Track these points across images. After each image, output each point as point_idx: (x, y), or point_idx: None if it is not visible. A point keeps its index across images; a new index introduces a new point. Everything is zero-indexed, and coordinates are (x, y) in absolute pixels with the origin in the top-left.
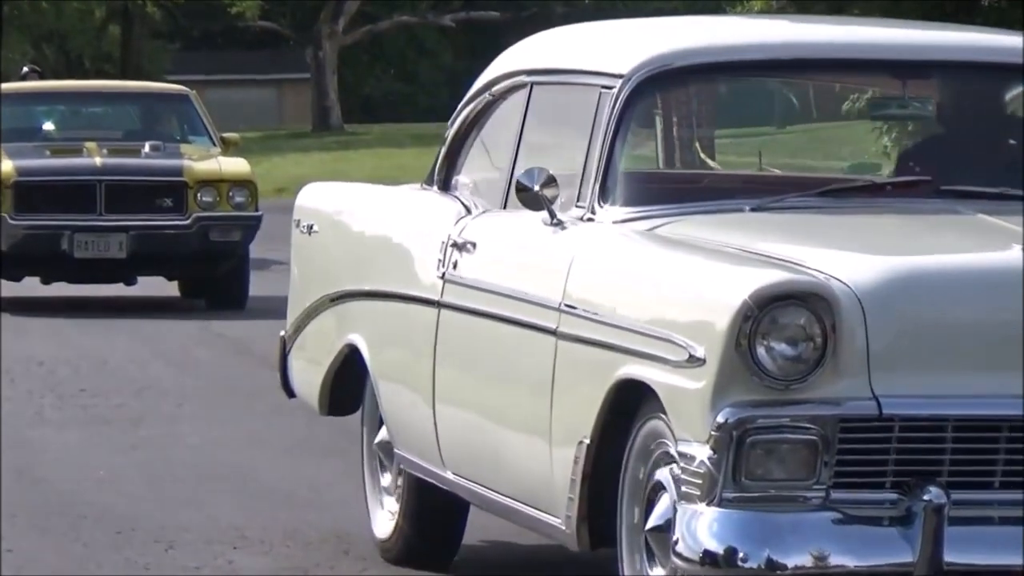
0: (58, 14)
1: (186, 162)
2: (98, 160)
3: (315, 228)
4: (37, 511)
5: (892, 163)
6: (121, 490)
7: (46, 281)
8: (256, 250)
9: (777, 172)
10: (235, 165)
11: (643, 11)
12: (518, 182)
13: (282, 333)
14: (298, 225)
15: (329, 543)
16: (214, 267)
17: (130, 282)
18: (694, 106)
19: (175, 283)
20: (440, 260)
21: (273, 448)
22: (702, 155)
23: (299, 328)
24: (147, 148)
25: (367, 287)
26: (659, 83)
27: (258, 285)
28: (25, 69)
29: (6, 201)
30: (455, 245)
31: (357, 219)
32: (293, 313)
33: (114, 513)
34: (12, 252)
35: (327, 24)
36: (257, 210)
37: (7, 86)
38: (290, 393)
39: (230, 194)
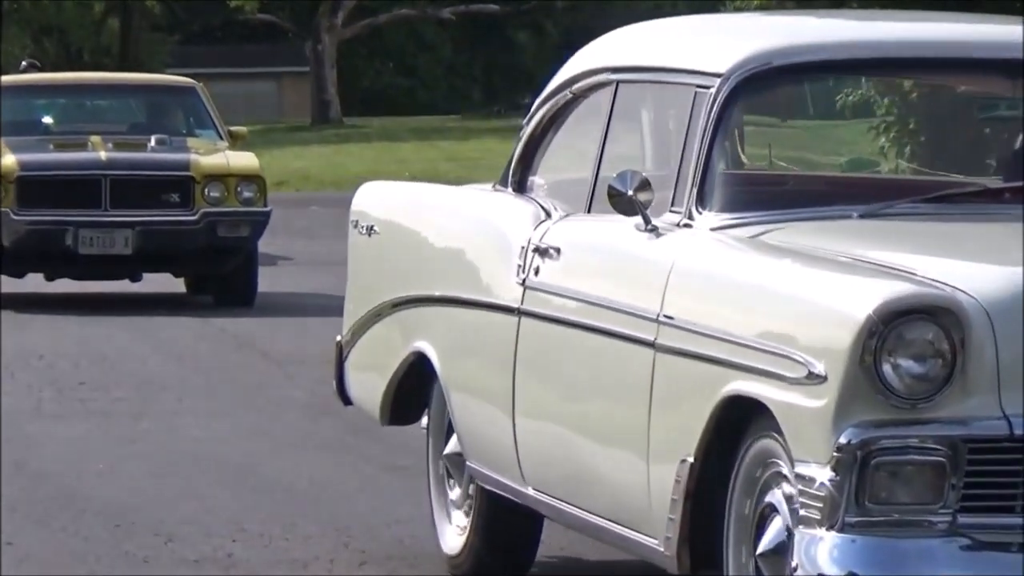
0: (58, 8)
1: (193, 156)
2: (103, 154)
3: (376, 229)
4: (36, 504)
5: (889, 162)
6: (121, 483)
7: (50, 278)
8: (259, 245)
9: (884, 175)
10: (243, 159)
11: (640, 7)
12: (610, 186)
13: (338, 338)
14: (356, 226)
15: (328, 536)
16: (222, 264)
17: (135, 279)
18: (792, 106)
19: (180, 279)
20: (520, 266)
21: (274, 442)
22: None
23: (358, 333)
24: (153, 142)
25: (436, 292)
26: (759, 83)
27: (262, 281)
28: (24, 63)
29: (9, 196)
30: (537, 250)
31: (423, 221)
32: (351, 318)
33: (113, 506)
34: (15, 248)
35: (326, 17)
36: (266, 205)
37: (9, 78)
38: (346, 401)
39: (238, 189)
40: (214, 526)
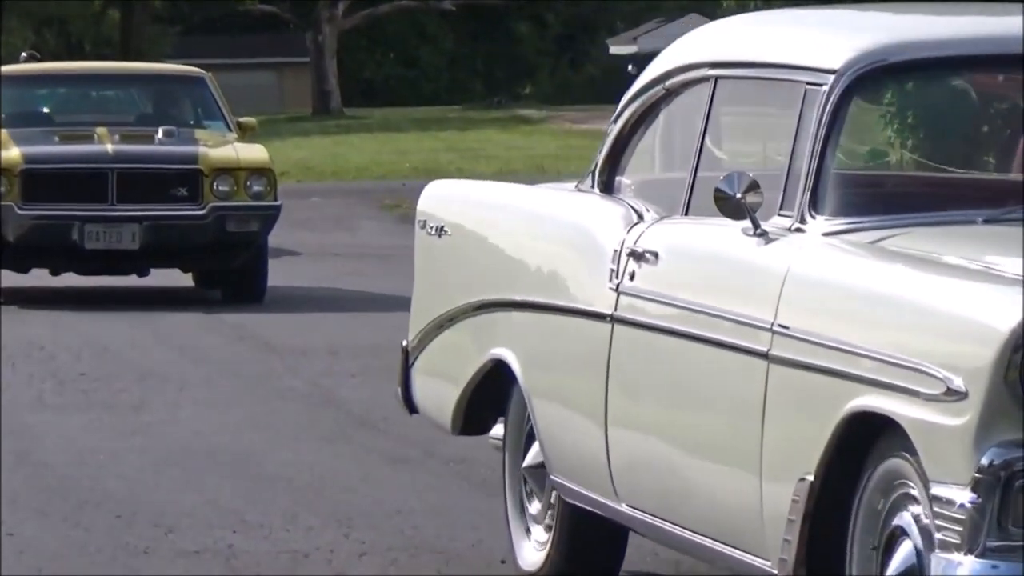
0: (58, 0)
1: (201, 149)
2: (109, 147)
3: (446, 230)
4: (37, 495)
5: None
6: (121, 474)
7: (55, 273)
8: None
9: (1006, 177)
10: (253, 152)
11: (639, 3)
12: (717, 188)
13: (404, 343)
14: (424, 226)
15: (329, 527)
16: (231, 259)
17: (143, 274)
18: (907, 105)
19: (187, 274)
20: (613, 270)
21: (275, 433)
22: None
23: (428, 338)
24: (160, 134)
25: (517, 297)
26: (874, 80)
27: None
28: (24, 55)
29: (13, 189)
30: (632, 254)
31: (500, 222)
32: (419, 323)
33: (114, 497)
34: (20, 243)
35: (327, 8)
36: (276, 199)
37: (11, 68)
38: (411, 408)
39: (247, 183)
40: (215, 517)
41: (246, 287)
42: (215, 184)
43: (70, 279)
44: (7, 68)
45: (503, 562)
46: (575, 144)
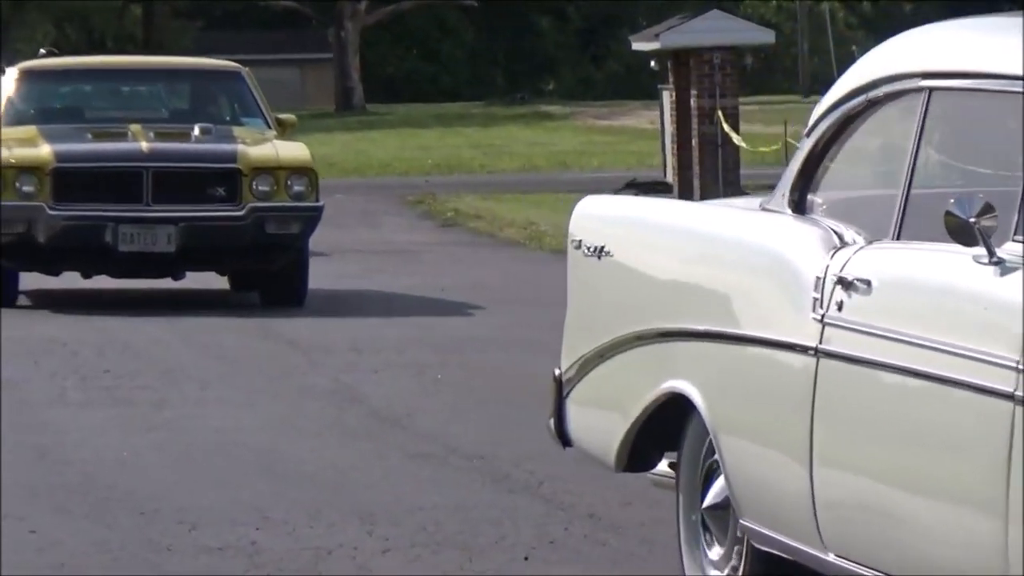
0: None
1: (240, 147)
2: (144, 145)
3: (607, 250)
4: (59, 492)
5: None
6: (144, 471)
7: (87, 275)
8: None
9: None
10: (293, 150)
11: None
12: (948, 212)
13: (556, 372)
14: (579, 246)
15: (352, 524)
16: (270, 262)
17: (177, 277)
18: None
19: (220, 277)
20: (816, 300)
21: (298, 431)
22: (725, 125)
23: (588, 368)
24: (197, 131)
25: (697, 326)
26: None
27: None
28: (42, 51)
29: (44, 189)
30: (840, 282)
31: (671, 243)
32: (575, 350)
33: (137, 494)
34: (51, 244)
35: (349, 4)
36: (318, 200)
37: (39, 62)
38: (565, 442)
39: (288, 182)
40: (238, 514)
41: (286, 291)
42: (254, 184)
43: (101, 282)
44: (35, 62)
45: (526, 559)
46: (598, 140)
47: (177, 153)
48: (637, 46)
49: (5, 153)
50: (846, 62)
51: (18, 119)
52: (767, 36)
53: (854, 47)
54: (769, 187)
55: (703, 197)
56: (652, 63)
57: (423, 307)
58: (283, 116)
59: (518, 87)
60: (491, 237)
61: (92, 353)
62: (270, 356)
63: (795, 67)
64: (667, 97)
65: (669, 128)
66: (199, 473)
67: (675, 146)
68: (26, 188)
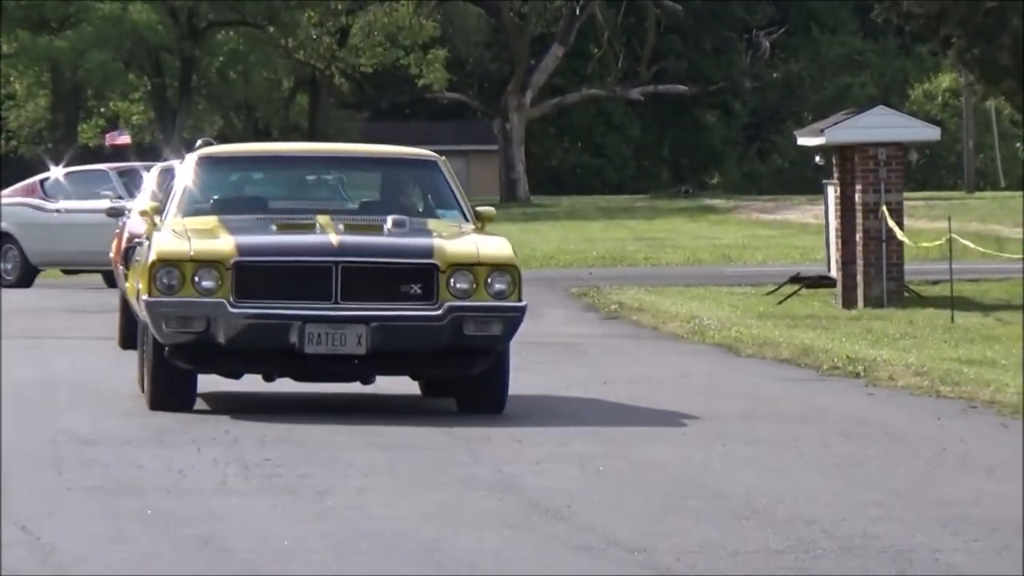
0: (246, 84)
1: (437, 241)
2: (334, 238)
3: None
4: None
5: None
6: (306, 560)
7: (269, 378)
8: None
9: None
10: (494, 246)
11: (826, 91)
12: None
13: None
14: None
15: None
16: (468, 366)
17: (367, 381)
18: None
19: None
20: None
21: (459, 521)
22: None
23: None
24: (389, 224)
25: None
26: None
27: None
28: (200, 142)
29: (225, 284)
30: None
31: None
32: None
33: None
34: (232, 345)
35: (515, 96)
36: (520, 300)
37: (220, 149)
38: None
39: (488, 280)
40: None
41: (484, 397)
42: (452, 281)
43: (283, 385)
44: (215, 149)
45: None
46: (762, 234)
47: (369, 247)
48: (802, 141)
49: (183, 246)
50: (1011, 158)
51: (196, 209)
52: (932, 132)
53: (1019, 144)
54: (934, 283)
55: (866, 292)
56: (817, 158)
57: (586, 400)
58: (482, 208)
59: (683, 180)
60: (654, 330)
61: (253, 441)
62: (431, 445)
63: (960, 163)
64: (831, 192)
65: (833, 223)
66: (360, 562)
67: (839, 241)
68: (206, 283)
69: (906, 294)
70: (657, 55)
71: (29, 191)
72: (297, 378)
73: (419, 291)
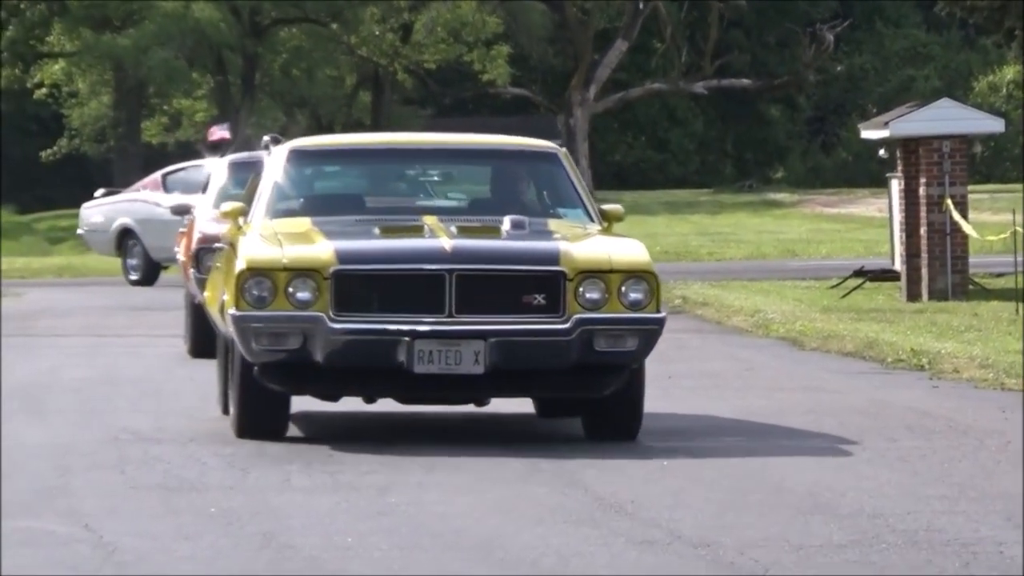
0: (309, 81)
1: (563, 245)
2: (447, 242)
3: None
4: None
5: None
6: (368, 557)
7: (370, 400)
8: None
9: None
10: (628, 250)
11: (889, 84)
12: None
13: None
14: None
15: None
16: (599, 386)
17: (482, 403)
18: None
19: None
20: None
21: (521, 516)
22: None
23: None
24: (507, 225)
25: None
26: None
27: None
28: (266, 139)
29: (323, 296)
30: None
31: None
32: None
33: None
34: (332, 364)
35: (578, 91)
36: (659, 311)
37: (314, 141)
38: None
39: (622, 289)
40: None
41: (615, 421)
42: (581, 290)
43: (384, 406)
44: (306, 142)
45: None
46: (826, 228)
47: (487, 253)
48: (866, 134)
49: (275, 253)
50: None
51: (286, 209)
52: (997, 125)
53: None
54: (998, 276)
55: (931, 285)
56: (881, 151)
57: (649, 394)
58: (608, 207)
59: (747, 175)
60: (718, 324)
61: (315, 438)
62: (493, 440)
63: None
64: (896, 185)
65: (897, 216)
66: (423, 559)
67: (903, 234)
68: (301, 295)
69: (971, 287)
70: (720, 49)
71: (151, 186)
72: (404, 401)
73: (543, 302)
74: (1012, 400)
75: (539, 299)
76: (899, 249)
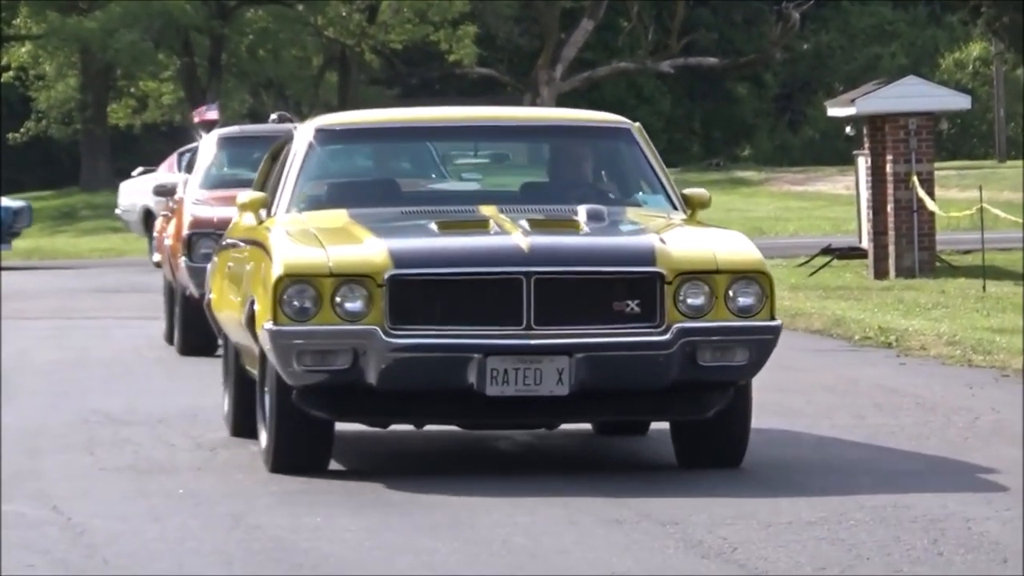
0: (276, 62)
1: (656, 241)
2: (522, 240)
3: None
4: (253, 558)
5: None
6: (337, 537)
7: (421, 425)
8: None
9: None
10: (734, 245)
11: (854, 60)
12: None
13: None
14: None
15: None
16: (702, 406)
17: (553, 426)
18: None
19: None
20: None
21: (486, 493)
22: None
23: None
24: (582, 216)
25: None
26: None
27: None
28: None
29: (376, 306)
30: None
31: None
32: None
33: (330, 560)
34: (387, 385)
35: (545, 71)
36: (773, 317)
37: (344, 118)
38: None
39: (730, 292)
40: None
41: (717, 445)
42: (682, 295)
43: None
44: (335, 119)
45: None
46: (793, 206)
47: (571, 252)
48: (833, 112)
49: (318, 255)
50: None
51: (316, 199)
52: (963, 101)
53: None
54: (965, 253)
55: (898, 263)
56: (848, 129)
57: None
58: (691, 191)
59: (714, 153)
60: None
61: None
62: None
63: (991, 132)
64: (862, 163)
65: (864, 194)
66: (393, 541)
67: (870, 211)
68: (351, 305)
69: (937, 264)
70: (687, 28)
71: (167, 165)
72: (473, 427)
73: (637, 309)
74: (979, 377)
75: (632, 306)
76: (866, 227)
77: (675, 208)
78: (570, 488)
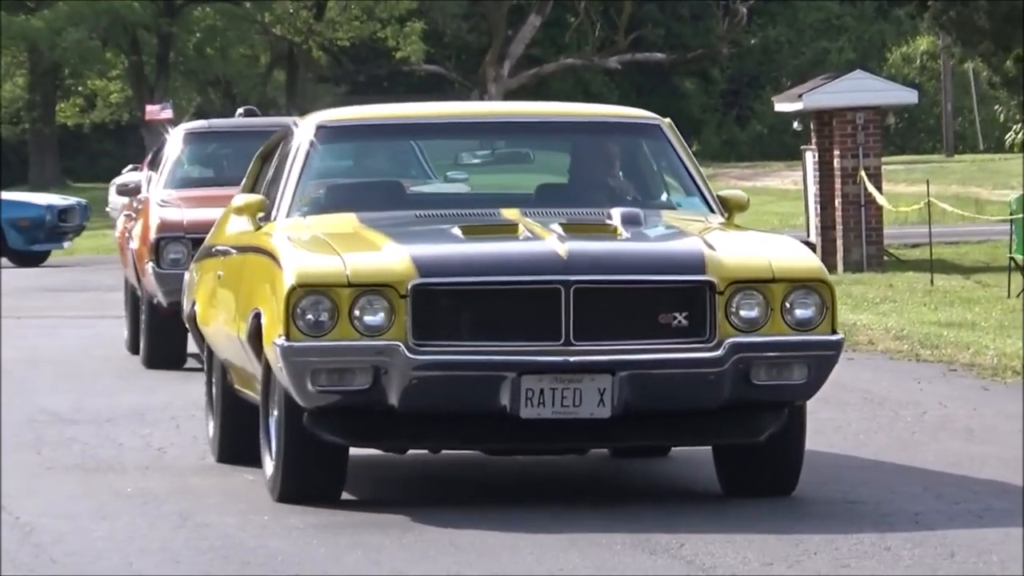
0: (223, 60)
1: (705, 248)
2: (559, 246)
3: None
4: (200, 556)
5: None
6: (285, 535)
7: (437, 450)
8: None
9: None
10: (790, 252)
11: (806, 56)
12: None
13: None
14: None
15: None
16: (755, 428)
17: (583, 451)
18: None
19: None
20: None
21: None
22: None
23: None
24: (616, 220)
25: None
26: None
27: None
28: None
29: (399, 319)
30: None
31: None
32: None
33: (277, 557)
34: (411, 407)
35: (492, 67)
36: (835, 331)
37: (349, 114)
38: None
39: (787, 304)
40: None
41: (768, 470)
42: (734, 306)
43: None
44: (336, 115)
45: None
46: None
47: (614, 259)
48: (780, 107)
49: (333, 264)
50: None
51: (322, 202)
52: (910, 96)
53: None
54: (913, 247)
55: (846, 257)
56: (795, 124)
57: None
58: (727, 193)
59: None
60: None
61: None
62: None
63: (939, 127)
64: (810, 157)
65: (812, 188)
66: (341, 542)
67: (818, 206)
68: (371, 318)
69: (885, 258)
70: (634, 23)
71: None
72: (503, 451)
73: (685, 322)
74: (927, 371)
75: (679, 318)
76: (814, 221)
77: (712, 211)
78: (520, 485)
